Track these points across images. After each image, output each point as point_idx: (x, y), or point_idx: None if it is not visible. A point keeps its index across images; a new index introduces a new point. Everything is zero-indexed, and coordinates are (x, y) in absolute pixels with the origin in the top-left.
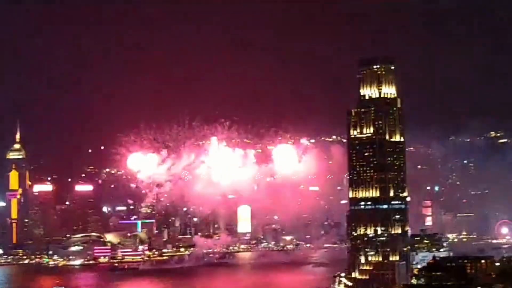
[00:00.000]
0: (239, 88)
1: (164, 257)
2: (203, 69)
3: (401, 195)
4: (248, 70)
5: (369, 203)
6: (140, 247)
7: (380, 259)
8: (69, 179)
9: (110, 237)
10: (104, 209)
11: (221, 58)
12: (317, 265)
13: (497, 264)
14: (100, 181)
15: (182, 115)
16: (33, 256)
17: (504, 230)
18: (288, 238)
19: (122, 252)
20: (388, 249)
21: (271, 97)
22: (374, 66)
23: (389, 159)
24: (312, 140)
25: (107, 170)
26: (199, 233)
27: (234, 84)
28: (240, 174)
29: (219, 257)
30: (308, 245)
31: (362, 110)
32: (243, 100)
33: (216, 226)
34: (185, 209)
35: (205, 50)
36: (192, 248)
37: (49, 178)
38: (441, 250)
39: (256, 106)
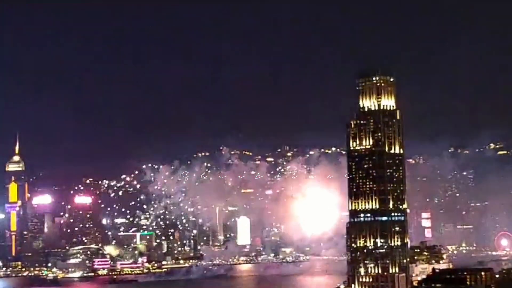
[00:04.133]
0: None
1: (164, 269)
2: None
3: (400, 207)
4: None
5: (368, 215)
6: (140, 259)
7: (380, 271)
8: (69, 191)
9: (110, 249)
10: (104, 221)
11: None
12: (328, 273)
13: (497, 276)
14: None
15: (194, 126)
16: (32, 268)
17: (504, 242)
18: (287, 250)
19: (121, 264)
20: (388, 261)
21: (276, 111)
22: (373, 78)
23: (388, 171)
24: (312, 152)
25: (107, 182)
26: (199, 245)
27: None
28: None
29: (226, 269)
30: (308, 257)
31: (362, 122)
32: (246, 112)
33: (215, 238)
34: (184, 220)
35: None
36: (194, 261)
37: (48, 190)
38: (441, 262)
39: (261, 119)
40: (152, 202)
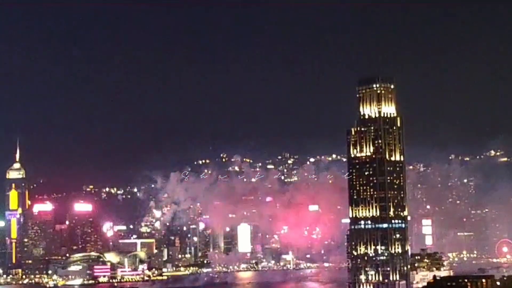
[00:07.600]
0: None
1: (164, 277)
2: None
3: (401, 214)
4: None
5: (369, 222)
6: (140, 267)
7: (381, 278)
8: (69, 199)
9: (110, 257)
10: (104, 228)
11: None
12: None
13: (498, 283)
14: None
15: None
16: (32, 276)
17: (505, 249)
18: (288, 257)
19: (121, 271)
20: (389, 269)
21: (276, 118)
22: (374, 85)
23: (389, 178)
24: (312, 159)
25: (107, 189)
26: (199, 252)
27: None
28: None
29: (231, 276)
30: (308, 264)
31: (362, 129)
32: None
33: (216, 245)
34: (185, 228)
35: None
36: (195, 268)
37: (48, 197)
38: (442, 269)
39: (261, 127)
40: (154, 210)
